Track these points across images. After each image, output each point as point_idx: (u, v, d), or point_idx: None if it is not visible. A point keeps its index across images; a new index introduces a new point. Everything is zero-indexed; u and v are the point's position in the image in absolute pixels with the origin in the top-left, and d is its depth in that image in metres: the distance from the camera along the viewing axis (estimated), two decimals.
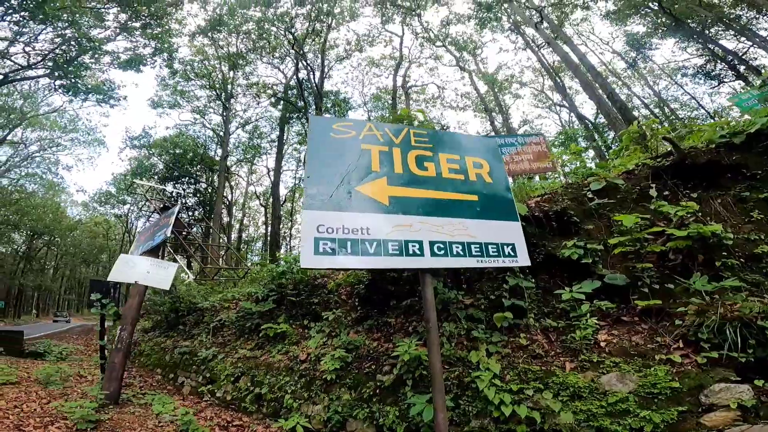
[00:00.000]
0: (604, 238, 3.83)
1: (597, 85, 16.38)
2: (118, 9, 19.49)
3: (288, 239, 35.60)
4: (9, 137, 30.50)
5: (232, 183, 34.62)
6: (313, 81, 24.65)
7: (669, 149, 4.51)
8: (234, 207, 35.67)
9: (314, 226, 2.80)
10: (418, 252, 2.90)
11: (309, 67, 24.88)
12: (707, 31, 21.21)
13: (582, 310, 3.33)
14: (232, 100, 28.92)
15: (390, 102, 27.53)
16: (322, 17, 24.24)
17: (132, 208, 39.23)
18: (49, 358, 10.38)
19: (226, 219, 31.23)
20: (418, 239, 2.96)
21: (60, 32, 18.16)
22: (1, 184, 34.11)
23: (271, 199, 30.81)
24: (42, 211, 38.27)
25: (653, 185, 4.12)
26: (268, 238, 27.15)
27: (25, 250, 43.46)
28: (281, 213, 29.39)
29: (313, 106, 23.90)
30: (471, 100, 32.22)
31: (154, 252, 7.47)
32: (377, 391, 3.92)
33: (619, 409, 2.58)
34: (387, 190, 3.19)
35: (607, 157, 9.52)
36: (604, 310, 3.34)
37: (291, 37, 23.93)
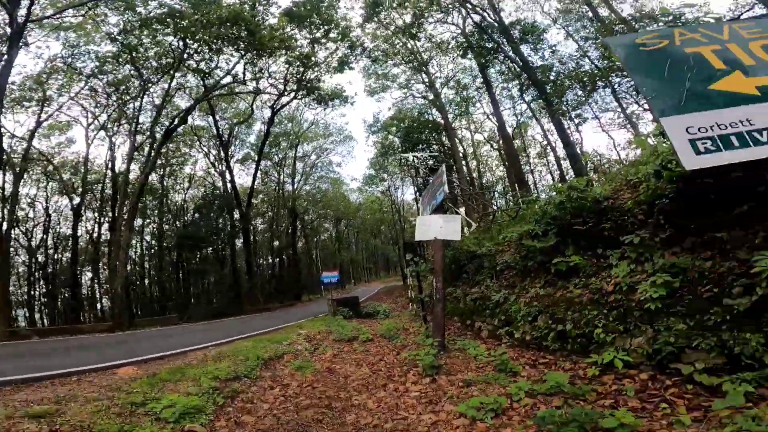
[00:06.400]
0: None
1: None
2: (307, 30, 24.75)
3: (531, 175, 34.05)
4: (297, 154, 41.78)
5: (459, 137, 35.48)
6: (488, 19, 22.51)
7: None
8: (468, 158, 36.46)
9: (681, 129, 2.90)
10: None
11: (476, 9, 22.65)
12: None
13: None
14: (428, 67, 29.97)
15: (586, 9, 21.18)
16: None
17: (390, 183, 46.20)
18: (379, 317, 12.57)
19: (465, 170, 32.39)
20: None
21: (278, 58, 24.77)
22: (305, 189, 46.17)
23: (500, 141, 31.27)
24: (336, 203, 51.12)
25: None
26: (513, 177, 26.34)
27: (336, 234, 59.41)
28: (516, 151, 28.59)
29: (504, 41, 22.03)
30: None
31: (440, 209, 8.23)
32: (727, 317, 3.19)
33: None
34: (750, 82, 3.11)
35: None
36: None
37: None
